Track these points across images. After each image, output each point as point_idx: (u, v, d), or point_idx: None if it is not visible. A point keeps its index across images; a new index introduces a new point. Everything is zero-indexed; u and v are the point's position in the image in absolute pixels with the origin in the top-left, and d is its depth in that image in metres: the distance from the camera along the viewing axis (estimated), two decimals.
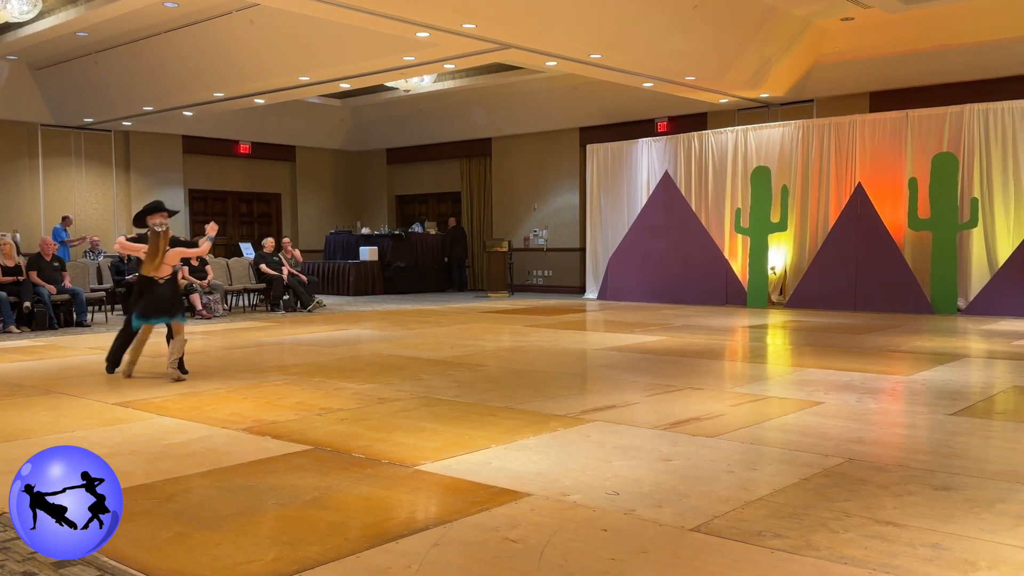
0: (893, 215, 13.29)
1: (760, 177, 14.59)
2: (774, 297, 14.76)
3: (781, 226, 14.44)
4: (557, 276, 18.72)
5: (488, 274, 18.33)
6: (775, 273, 14.85)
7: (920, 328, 10.89)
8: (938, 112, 13.11)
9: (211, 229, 7.88)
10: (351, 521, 3.57)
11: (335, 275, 18.90)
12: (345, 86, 15.28)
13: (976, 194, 12.75)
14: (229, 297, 14.60)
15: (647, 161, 16.44)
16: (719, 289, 14.94)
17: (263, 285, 14.76)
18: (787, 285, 14.70)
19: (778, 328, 11.49)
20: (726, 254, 15.17)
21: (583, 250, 17.87)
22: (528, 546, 3.25)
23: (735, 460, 4.51)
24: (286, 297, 14.50)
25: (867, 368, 7.64)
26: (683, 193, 15.70)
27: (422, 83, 16.62)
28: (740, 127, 15.35)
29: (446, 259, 19.85)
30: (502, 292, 17.89)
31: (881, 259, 13.07)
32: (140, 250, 7.27)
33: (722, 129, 15.59)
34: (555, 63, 12.94)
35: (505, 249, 18.08)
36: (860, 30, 13.05)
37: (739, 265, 15.11)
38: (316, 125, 20.91)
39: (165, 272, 7.25)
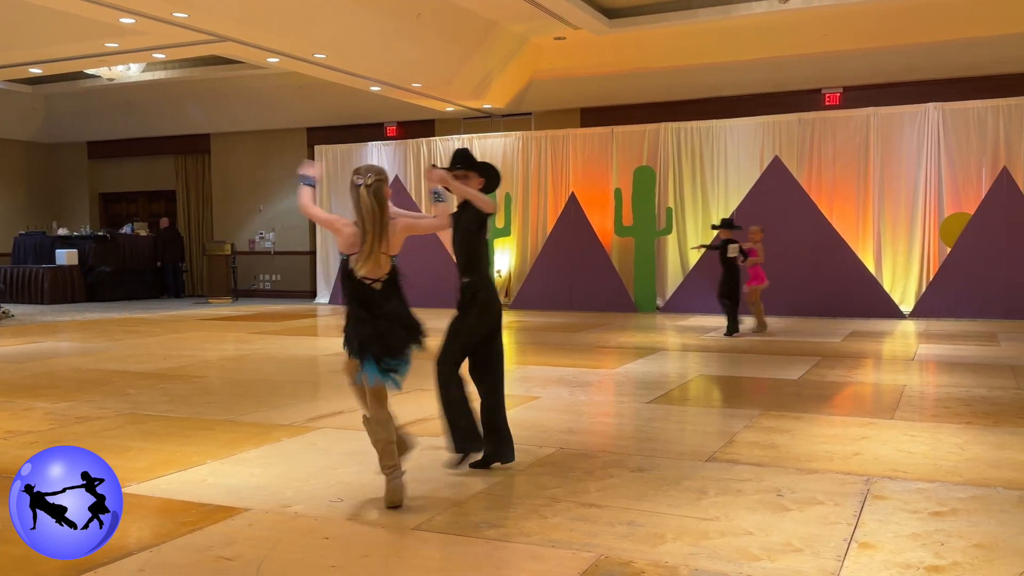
0: (602, 222, 14.43)
1: None
2: (500, 299, 15.40)
3: (505, 231, 15.14)
4: (286, 281, 18.13)
5: (209, 279, 17.30)
6: (501, 276, 15.52)
7: (625, 325, 11.93)
8: (638, 129, 14.47)
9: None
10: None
11: (26, 281, 16.82)
12: (36, 71, 13.65)
13: (671, 204, 14.24)
14: None
15: (377, 164, 16.42)
16: (448, 292, 15.27)
17: None
18: (512, 288, 15.42)
19: (503, 328, 12.00)
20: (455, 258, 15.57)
21: (313, 253, 17.47)
22: (244, 563, 3.11)
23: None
24: None
25: (580, 363, 8.23)
26: (413, 198, 15.90)
27: (129, 72, 15.31)
28: (466, 135, 15.86)
29: (159, 263, 18.43)
30: (225, 298, 16.97)
31: (592, 263, 14.15)
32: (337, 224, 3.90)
33: (449, 136, 16.02)
34: (277, 60, 12.53)
35: (227, 252, 17.16)
36: (571, 49, 14.04)
37: None
38: (2, 113, 18.48)
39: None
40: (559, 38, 13.63)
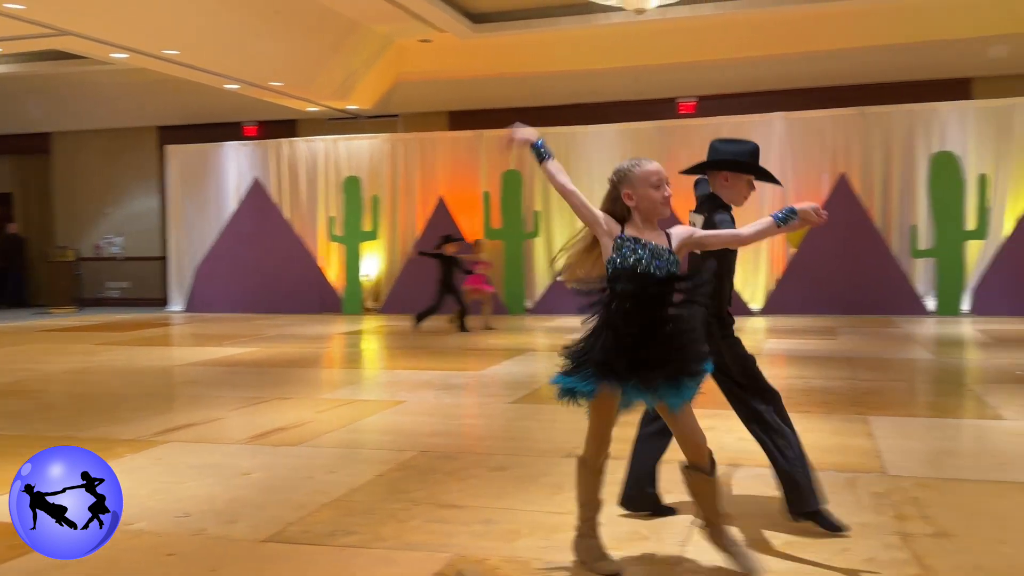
0: (471, 225, 14.50)
1: (352, 187, 14.95)
2: (369, 304, 15.21)
3: (373, 235, 14.95)
4: (136, 288, 17.19)
5: (50, 288, 16.18)
6: (369, 280, 15.32)
7: (497, 328, 12.01)
8: (506, 133, 14.58)
9: None
10: None
11: None
12: None
13: (538, 207, 14.47)
14: None
15: (236, 166, 15.90)
16: (314, 297, 14.99)
17: None
18: (381, 292, 15.25)
19: (371, 333, 11.87)
20: (320, 262, 15.28)
21: (165, 259, 16.64)
22: None
23: (316, 465, 4.54)
24: None
25: (447, 367, 8.22)
26: (275, 200, 15.48)
27: None
28: (331, 136, 15.57)
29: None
30: (68, 308, 15.91)
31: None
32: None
33: (313, 137, 15.68)
34: (125, 56, 11.89)
35: (71, 259, 16.12)
36: (438, 52, 14.04)
37: (334, 273, 15.32)
38: None
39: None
40: (425, 40, 13.61)
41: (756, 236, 3.17)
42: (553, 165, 3.11)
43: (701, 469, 2.95)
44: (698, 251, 3.31)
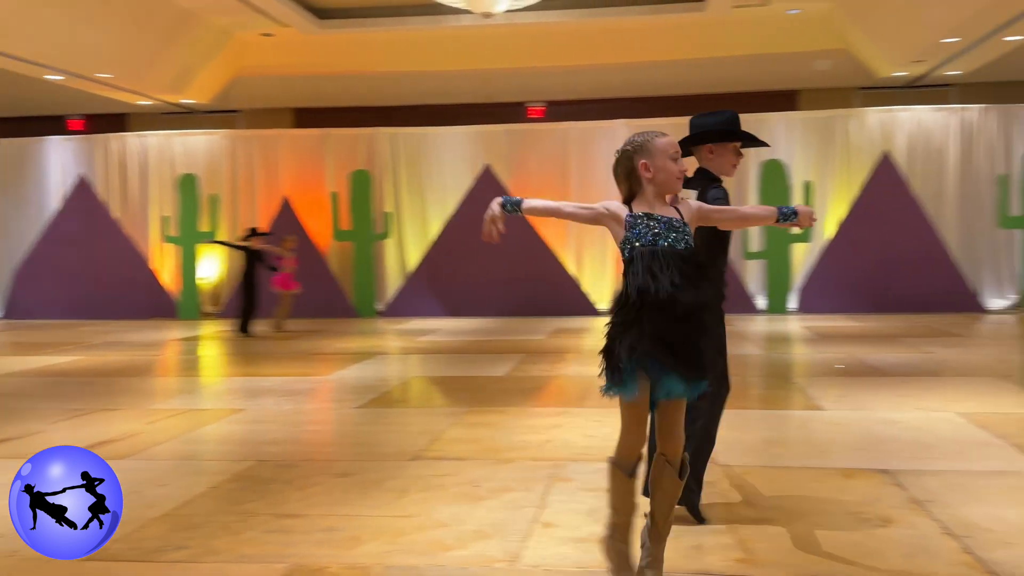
0: (318, 227, 14.12)
1: (188, 185, 14.22)
2: (209, 308, 14.51)
3: (211, 236, 14.25)
4: None
5: None
6: (208, 283, 14.61)
7: (344, 331, 11.76)
8: (354, 132, 14.36)
9: None
10: None
11: None
12: None
13: (389, 208, 14.28)
14: None
15: (59, 162, 14.77)
16: (145, 302, 14.14)
17: None
18: (222, 295, 14.58)
19: (209, 339, 11.32)
20: (153, 264, 14.44)
21: None
22: None
23: (145, 479, 4.25)
24: None
25: (291, 372, 7.95)
26: (102, 199, 14.50)
27: None
28: (165, 132, 14.75)
29: None
30: None
31: (309, 268, 13.78)
32: None
33: (146, 132, 14.80)
34: None
35: None
36: (281, 47, 13.58)
37: (168, 276, 14.52)
38: None
39: None
40: (266, 35, 13.13)
41: (755, 220, 3.19)
42: (527, 206, 2.92)
43: (674, 466, 2.80)
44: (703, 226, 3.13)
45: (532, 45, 13.31)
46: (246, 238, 11.48)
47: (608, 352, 2.78)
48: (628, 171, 2.80)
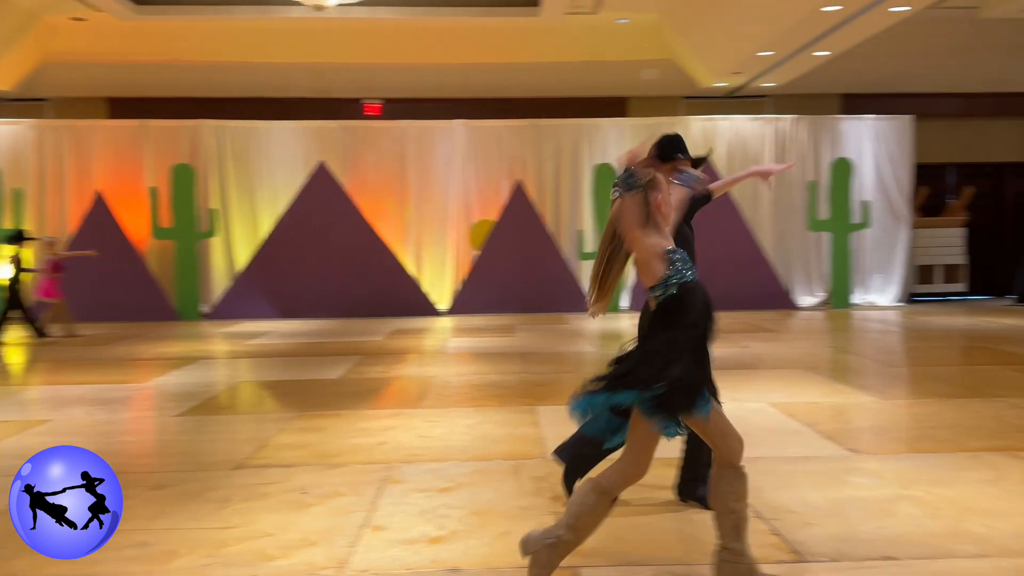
0: (136, 224, 13.23)
1: None
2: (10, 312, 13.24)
3: (16, 236, 13.01)
4: None
5: None
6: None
7: (164, 335, 11.07)
8: (175, 124, 13.53)
9: None
10: None
11: None
12: None
13: (215, 205, 13.58)
14: None
15: None
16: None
17: None
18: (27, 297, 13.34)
19: (9, 345, 10.33)
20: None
21: None
22: None
23: None
24: None
25: (104, 380, 7.37)
26: None
27: None
28: None
29: None
30: None
31: (124, 268, 12.89)
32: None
33: None
34: None
35: None
36: (94, 32, 12.62)
37: None
38: None
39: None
40: (78, 19, 12.18)
41: None
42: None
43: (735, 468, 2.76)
44: None
45: (369, 41, 13.09)
46: (12, 239, 10.62)
47: (679, 378, 2.66)
48: (645, 207, 2.77)
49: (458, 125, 13.83)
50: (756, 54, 11.78)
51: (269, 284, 13.20)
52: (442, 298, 13.68)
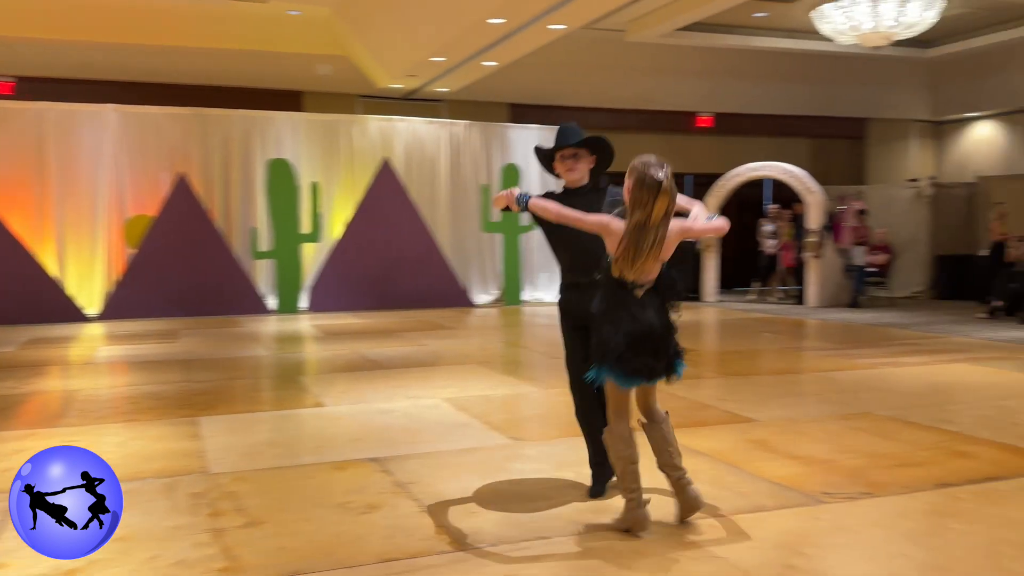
0: None
1: None
2: None
3: None
4: None
5: None
6: None
7: None
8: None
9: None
10: None
11: None
12: None
13: None
14: None
15: None
16: None
17: None
18: None
19: None
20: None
21: None
22: None
23: None
24: None
25: None
26: None
27: None
28: None
29: None
30: None
31: None
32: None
33: None
34: None
35: None
36: None
37: None
38: None
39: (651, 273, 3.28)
40: None
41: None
42: (536, 204, 3.40)
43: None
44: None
45: None
46: None
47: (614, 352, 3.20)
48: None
49: (110, 110, 12.46)
50: (429, 59, 12.05)
51: None
52: (91, 302, 12.24)
